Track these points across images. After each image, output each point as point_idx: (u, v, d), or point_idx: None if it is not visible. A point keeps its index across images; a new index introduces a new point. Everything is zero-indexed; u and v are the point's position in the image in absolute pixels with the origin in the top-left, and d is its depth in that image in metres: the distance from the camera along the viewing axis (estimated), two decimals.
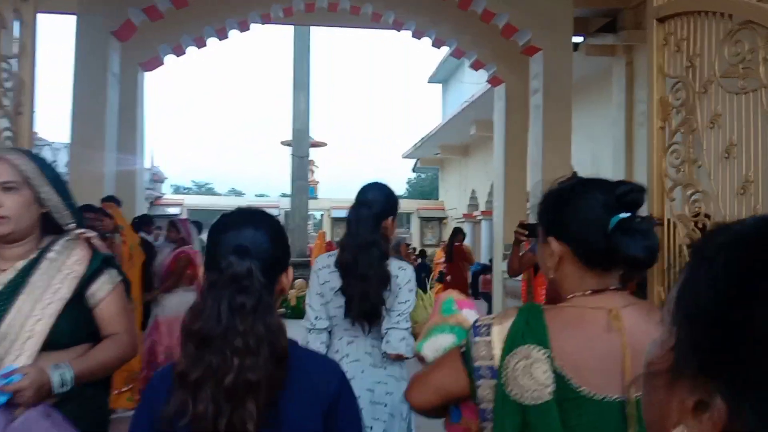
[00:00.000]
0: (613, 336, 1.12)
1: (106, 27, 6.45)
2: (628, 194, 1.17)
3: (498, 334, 1.16)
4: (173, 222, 5.83)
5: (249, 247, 1.16)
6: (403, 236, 14.97)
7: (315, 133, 16.18)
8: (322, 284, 2.38)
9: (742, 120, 2.22)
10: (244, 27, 8.38)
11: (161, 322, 4.92)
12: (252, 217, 1.26)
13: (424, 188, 41.40)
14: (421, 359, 1.50)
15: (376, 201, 2.40)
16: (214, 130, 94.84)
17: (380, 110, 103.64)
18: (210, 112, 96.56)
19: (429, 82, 24.51)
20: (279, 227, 1.28)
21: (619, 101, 8.70)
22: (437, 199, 30.13)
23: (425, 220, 22.38)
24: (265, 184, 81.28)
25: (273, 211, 13.84)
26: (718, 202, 2.29)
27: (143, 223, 7.76)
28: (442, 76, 22.94)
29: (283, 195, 26.38)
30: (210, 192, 46.28)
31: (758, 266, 0.47)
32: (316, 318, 2.38)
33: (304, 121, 13.29)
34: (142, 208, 8.43)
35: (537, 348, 1.11)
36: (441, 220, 22.08)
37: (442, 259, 13.29)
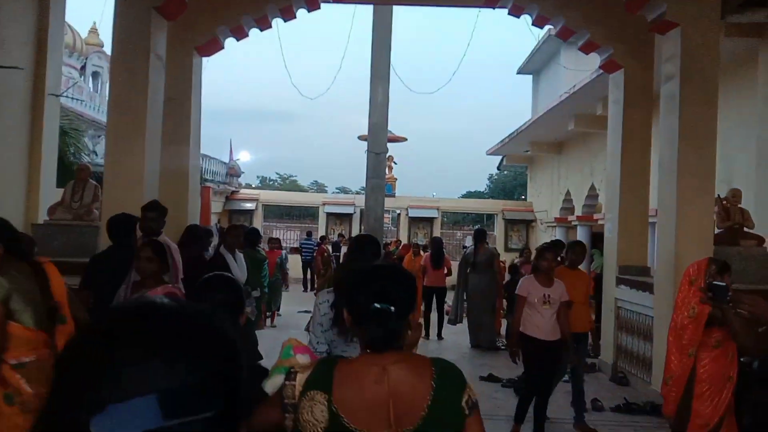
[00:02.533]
0: (381, 386, 1.55)
1: (149, 2, 5.53)
2: (384, 289, 1.65)
3: (300, 380, 1.61)
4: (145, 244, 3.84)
5: None
6: (494, 246, 13.20)
7: (394, 127, 15.03)
8: (322, 315, 3.00)
9: None
10: (312, 6, 7.34)
11: None
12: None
13: (506, 184, 39.45)
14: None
15: (371, 247, 3.29)
16: (301, 120, 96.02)
17: (464, 103, 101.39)
18: (299, 100, 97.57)
19: (518, 73, 22.81)
20: None
21: (766, 93, 6.99)
22: (521, 196, 28.20)
23: (510, 222, 20.60)
24: (347, 175, 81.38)
25: (348, 209, 12.96)
26: None
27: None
28: (534, 66, 21.21)
29: (363, 188, 25.21)
30: (293, 184, 46.34)
31: None
32: (317, 342, 2.98)
33: (383, 114, 12.09)
34: (195, 208, 7.56)
35: (320, 393, 1.57)
36: (529, 223, 20.31)
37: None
